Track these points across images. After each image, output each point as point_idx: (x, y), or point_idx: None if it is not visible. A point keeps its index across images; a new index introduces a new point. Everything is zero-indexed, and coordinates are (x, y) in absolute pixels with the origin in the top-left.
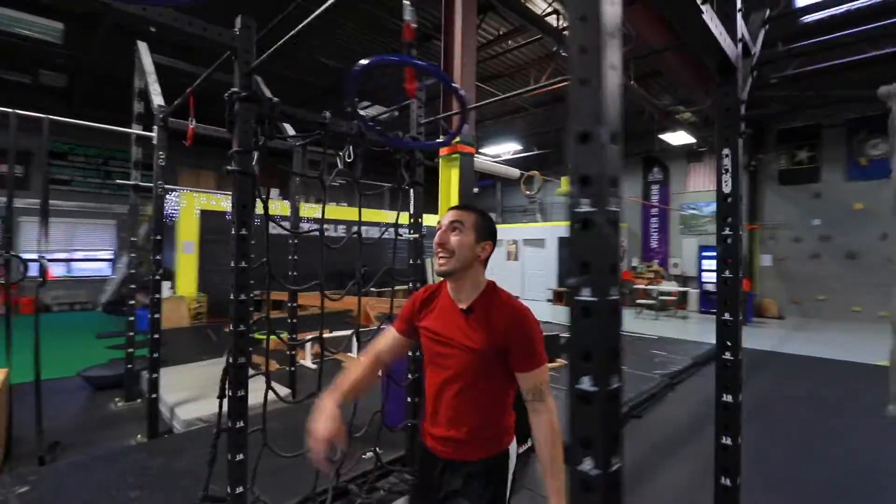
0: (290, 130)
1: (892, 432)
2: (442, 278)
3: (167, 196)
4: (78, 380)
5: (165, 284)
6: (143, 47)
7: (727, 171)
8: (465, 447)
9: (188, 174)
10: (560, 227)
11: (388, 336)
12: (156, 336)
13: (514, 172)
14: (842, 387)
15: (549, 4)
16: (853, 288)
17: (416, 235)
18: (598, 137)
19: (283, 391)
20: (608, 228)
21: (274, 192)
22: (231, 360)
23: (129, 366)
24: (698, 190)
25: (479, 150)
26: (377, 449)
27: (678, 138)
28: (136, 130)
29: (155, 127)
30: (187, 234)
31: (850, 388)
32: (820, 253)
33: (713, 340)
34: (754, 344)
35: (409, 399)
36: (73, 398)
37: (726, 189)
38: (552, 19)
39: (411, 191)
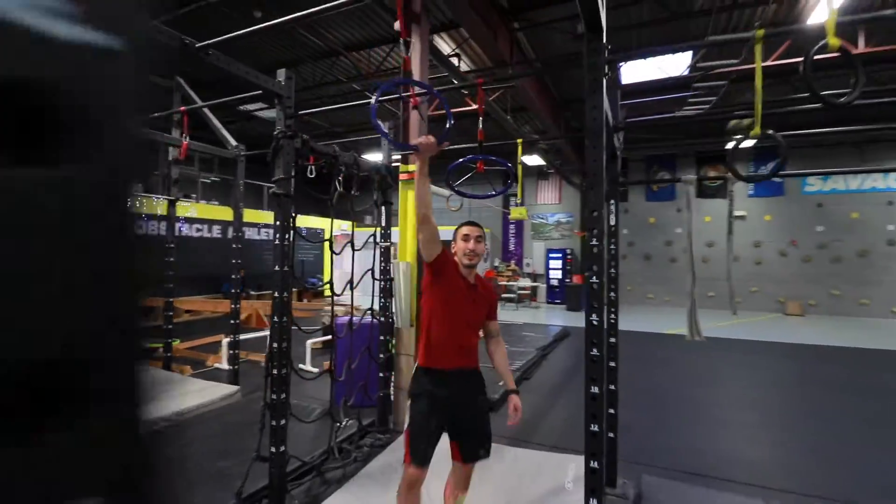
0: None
1: (686, 351)
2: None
3: None
4: None
5: None
6: None
7: (612, 213)
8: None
9: None
10: (443, 232)
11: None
12: None
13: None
14: (644, 346)
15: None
16: (648, 280)
17: (388, 244)
18: None
19: (231, 388)
20: None
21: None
22: (275, 345)
23: None
24: (545, 203)
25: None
26: (359, 418)
27: (533, 160)
28: None
29: None
30: None
31: (650, 346)
32: (627, 255)
33: (560, 324)
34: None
35: (381, 375)
36: None
37: (612, 222)
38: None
39: (382, 207)
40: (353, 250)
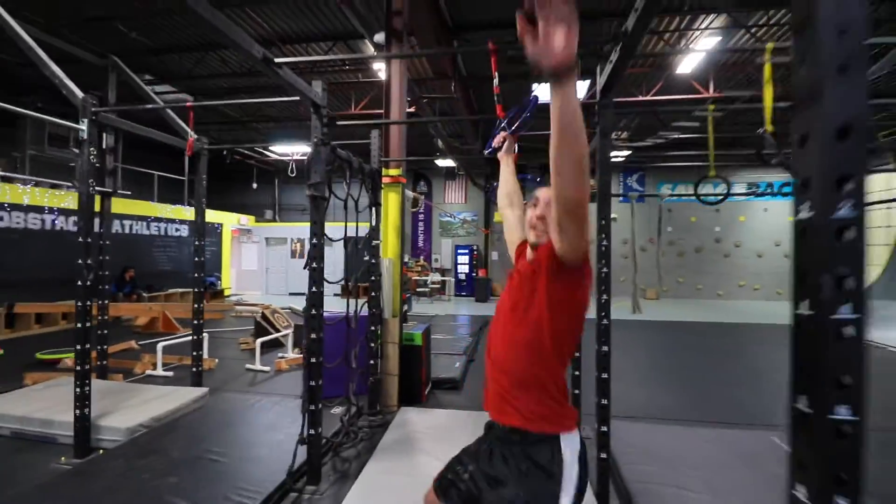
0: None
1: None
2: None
3: None
4: None
5: None
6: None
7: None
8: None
9: None
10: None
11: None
12: None
13: None
14: None
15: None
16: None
17: (378, 242)
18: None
19: (200, 390)
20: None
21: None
22: (310, 337)
23: None
24: (452, 202)
25: (270, 148)
26: (357, 402)
27: (445, 162)
28: None
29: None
30: None
31: None
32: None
33: (473, 313)
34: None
35: (371, 362)
36: None
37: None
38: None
39: (373, 208)
40: (348, 239)
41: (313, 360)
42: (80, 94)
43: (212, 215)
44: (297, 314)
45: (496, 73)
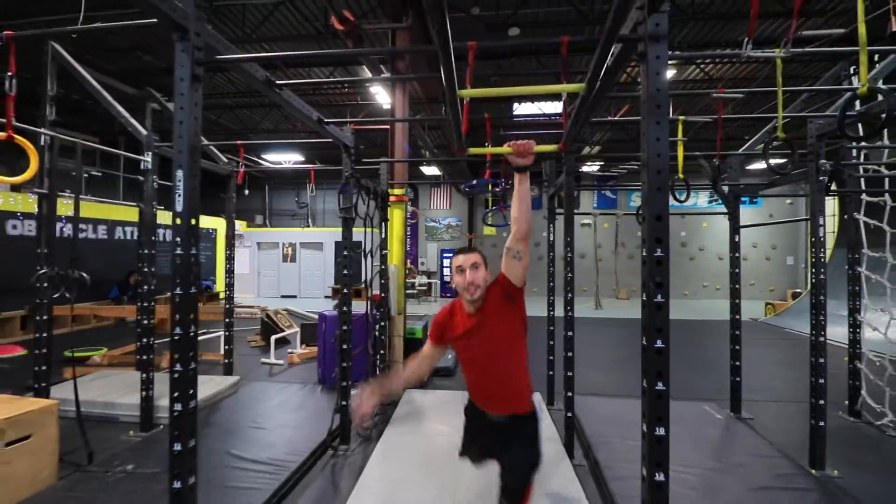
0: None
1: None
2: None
3: None
4: None
5: None
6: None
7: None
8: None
9: None
10: (337, 233)
11: (427, 347)
12: None
13: None
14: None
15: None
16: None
17: (387, 251)
18: None
19: (232, 378)
20: None
21: None
22: (342, 328)
23: None
24: (437, 208)
25: (263, 157)
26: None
27: (430, 170)
28: None
29: None
30: None
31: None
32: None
33: None
34: None
35: (381, 352)
36: None
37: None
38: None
39: (383, 224)
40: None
41: (345, 346)
42: (144, 131)
43: (207, 221)
44: (297, 315)
45: (489, 142)
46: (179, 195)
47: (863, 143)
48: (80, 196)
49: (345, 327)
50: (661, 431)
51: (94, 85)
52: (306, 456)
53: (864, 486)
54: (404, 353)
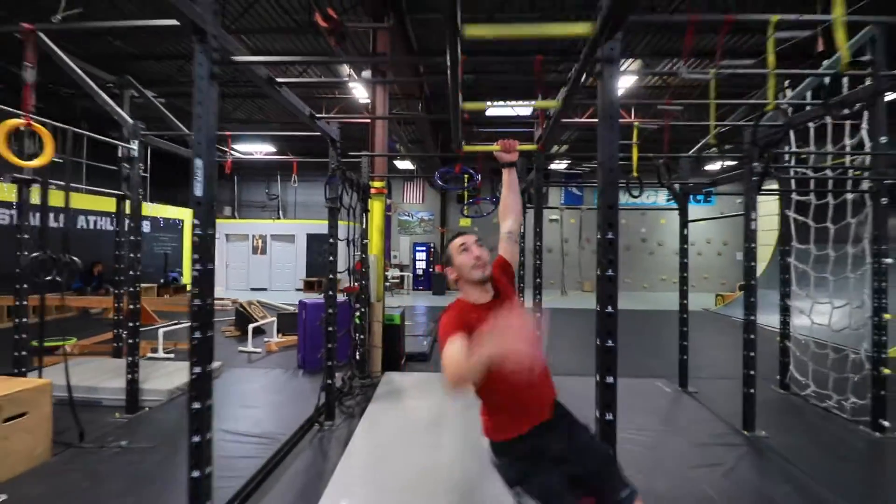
0: None
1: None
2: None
3: None
4: None
5: None
6: None
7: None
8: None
9: None
10: (309, 225)
11: (460, 340)
12: None
13: None
14: None
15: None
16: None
17: (366, 241)
18: None
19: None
20: None
21: None
22: (328, 311)
23: None
24: (410, 202)
25: (234, 148)
26: (352, 368)
27: (404, 164)
28: None
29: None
30: None
31: None
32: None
33: (432, 305)
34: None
35: (361, 336)
36: None
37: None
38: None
39: (364, 214)
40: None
41: (330, 328)
42: (129, 120)
43: (172, 211)
44: (271, 307)
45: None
46: (199, 181)
47: (793, 149)
48: (71, 185)
49: (330, 310)
50: (609, 381)
51: (80, 74)
52: (295, 430)
53: (786, 443)
54: (383, 338)
